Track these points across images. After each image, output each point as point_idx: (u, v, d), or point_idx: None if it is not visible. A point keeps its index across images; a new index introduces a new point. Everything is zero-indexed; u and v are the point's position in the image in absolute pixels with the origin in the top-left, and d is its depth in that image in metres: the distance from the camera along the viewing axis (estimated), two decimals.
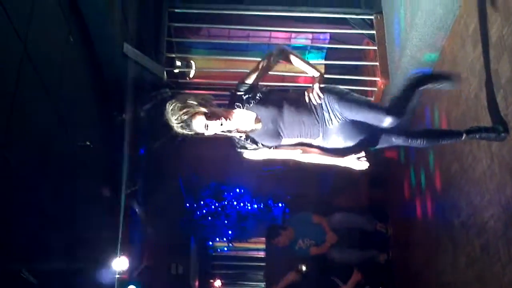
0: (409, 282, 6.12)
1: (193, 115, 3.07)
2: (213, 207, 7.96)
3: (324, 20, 6.27)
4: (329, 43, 6.86)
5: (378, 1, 5.91)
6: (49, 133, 3.69)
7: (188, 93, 3.32)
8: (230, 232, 8.23)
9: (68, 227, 4.06)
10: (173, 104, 3.11)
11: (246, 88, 3.27)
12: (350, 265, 6.56)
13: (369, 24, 6.02)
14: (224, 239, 8.59)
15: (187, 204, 7.77)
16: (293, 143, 3.32)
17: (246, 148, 3.28)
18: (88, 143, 4.35)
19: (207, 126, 3.10)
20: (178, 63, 5.86)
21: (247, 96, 3.24)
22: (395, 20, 5.19)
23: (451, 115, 4.50)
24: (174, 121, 3.08)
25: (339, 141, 3.30)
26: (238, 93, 3.28)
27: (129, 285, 5.36)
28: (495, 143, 3.57)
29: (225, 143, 6.68)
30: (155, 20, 5.86)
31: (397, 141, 3.50)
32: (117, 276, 5.23)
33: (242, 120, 3.22)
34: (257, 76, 3.28)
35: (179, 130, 3.11)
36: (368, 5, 6.30)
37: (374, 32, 5.86)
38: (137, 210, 5.77)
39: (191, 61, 5.98)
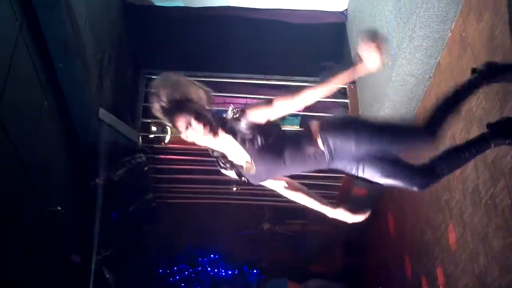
0: None
1: (184, 102, 2.50)
2: (186, 273, 7.80)
3: (299, 88, 6.37)
4: (303, 110, 6.95)
5: None
6: (19, 197, 3.63)
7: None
8: None
9: None
10: (174, 76, 2.56)
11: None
12: None
13: (342, 93, 6.14)
14: None
15: (160, 270, 7.61)
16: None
17: (225, 169, 2.75)
18: (59, 208, 4.29)
19: (190, 125, 2.50)
20: (154, 128, 5.86)
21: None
22: (368, 91, 5.31)
23: None
24: (162, 95, 2.48)
25: None
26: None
27: None
28: (467, 212, 3.60)
29: (200, 208, 6.69)
30: (132, 86, 5.90)
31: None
32: None
33: (228, 148, 2.69)
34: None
35: (159, 110, 2.51)
36: None
37: (347, 101, 5.98)
38: (107, 276, 5.63)
39: (167, 126, 5.97)
